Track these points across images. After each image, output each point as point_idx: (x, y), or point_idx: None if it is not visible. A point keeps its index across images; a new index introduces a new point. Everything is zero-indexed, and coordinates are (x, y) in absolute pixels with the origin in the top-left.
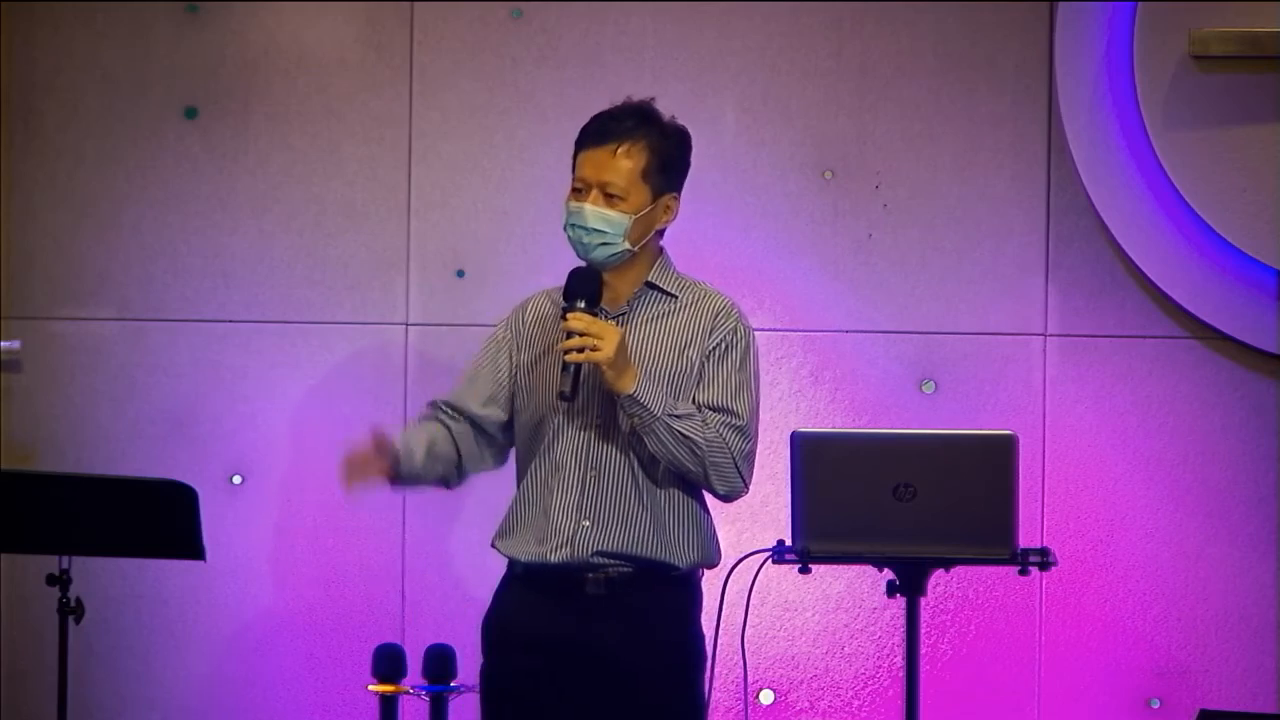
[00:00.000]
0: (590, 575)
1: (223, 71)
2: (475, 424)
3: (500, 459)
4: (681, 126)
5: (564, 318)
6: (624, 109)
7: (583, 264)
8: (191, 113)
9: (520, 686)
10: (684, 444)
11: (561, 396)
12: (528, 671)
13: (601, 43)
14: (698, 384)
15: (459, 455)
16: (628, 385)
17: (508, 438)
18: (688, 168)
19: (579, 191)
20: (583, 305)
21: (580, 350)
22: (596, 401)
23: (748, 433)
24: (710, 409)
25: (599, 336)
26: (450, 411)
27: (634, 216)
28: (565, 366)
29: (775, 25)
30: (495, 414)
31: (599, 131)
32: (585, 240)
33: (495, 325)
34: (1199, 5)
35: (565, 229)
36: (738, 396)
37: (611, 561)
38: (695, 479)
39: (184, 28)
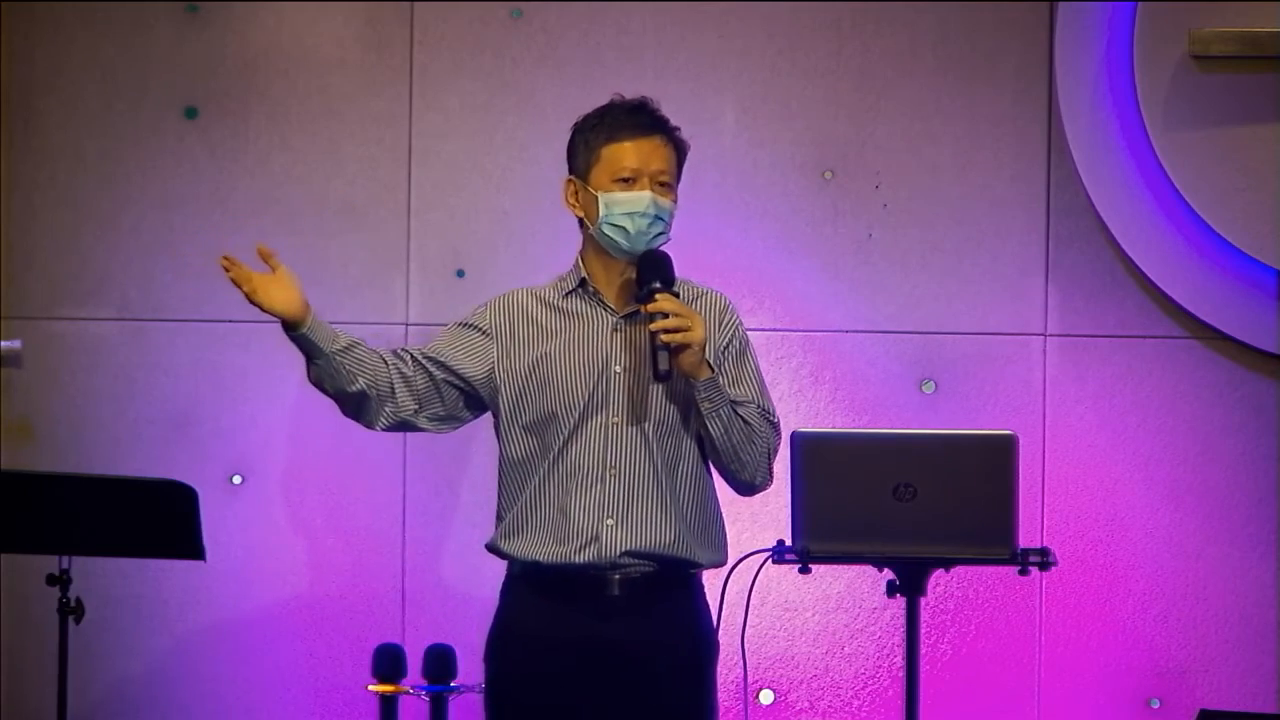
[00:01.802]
0: (615, 575)
1: (223, 71)
2: (434, 370)
3: (436, 422)
4: None
5: (651, 298)
6: (647, 103)
7: (648, 250)
8: (191, 113)
9: (539, 691)
10: (745, 429)
11: (659, 376)
12: (547, 676)
13: (601, 43)
14: (722, 381)
15: (392, 392)
16: (706, 369)
17: (456, 402)
18: None
19: (628, 181)
20: (659, 287)
21: (674, 331)
22: (614, 399)
23: (779, 429)
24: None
25: (690, 318)
26: (408, 357)
27: (676, 208)
28: (658, 346)
29: (775, 25)
30: (465, 367)
31: (646, 123)
32: (646, 229)
33: (466, 317)
34: (1199, 5)
35: (609, 222)
36: (764, 392)
37: (637, 561)
38: (738, 468)
39: (184, 28)
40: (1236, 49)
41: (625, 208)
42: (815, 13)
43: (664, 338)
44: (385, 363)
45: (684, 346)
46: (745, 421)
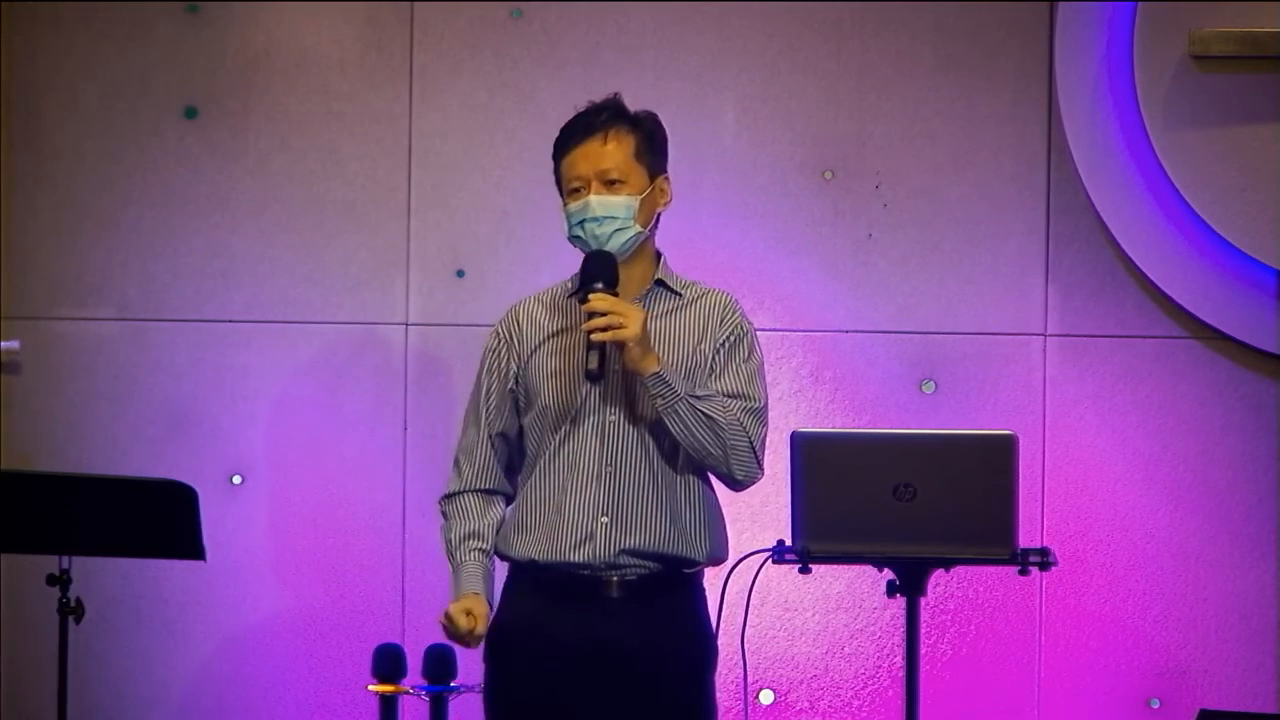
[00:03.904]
0: (612, 576)
1: (223, 71)
2: (507, 446)
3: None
4: (651, 112)
5: (585, 300)
6: (593, 106)
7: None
8: (191, 113)
9: (537, 691)
10: (706, 424)
11: (589, 376)
12: (545, 676)
13: (601, 43)
14: (711, 375)
15: (506, 504)
16: (652, 365)
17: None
18: (667, 149)
19: (577, 191)
20: (600, 287)
21: (605, 330)
22: (611, 396)
23: (763, 418)
24: (727, 396)
25: (624, 315)
26: (495, 470)
27: (639, 198)
28: (591, 345)
29: (775, 25)
30: (514, 421)
31: (581, 129)
32: (599, 231)
33: (486, 340)
34: (1199, 5)
35: (571, 235)
36: (751, 382)
37: (633, 561)
38: (714, 463)
39: (184, 28)
40: (1236, 49)
41: (575, 217)
42: (815, 13)
43: (596, 336)
44: (494, 516)
45: (621, 344)
46: (708, 415)
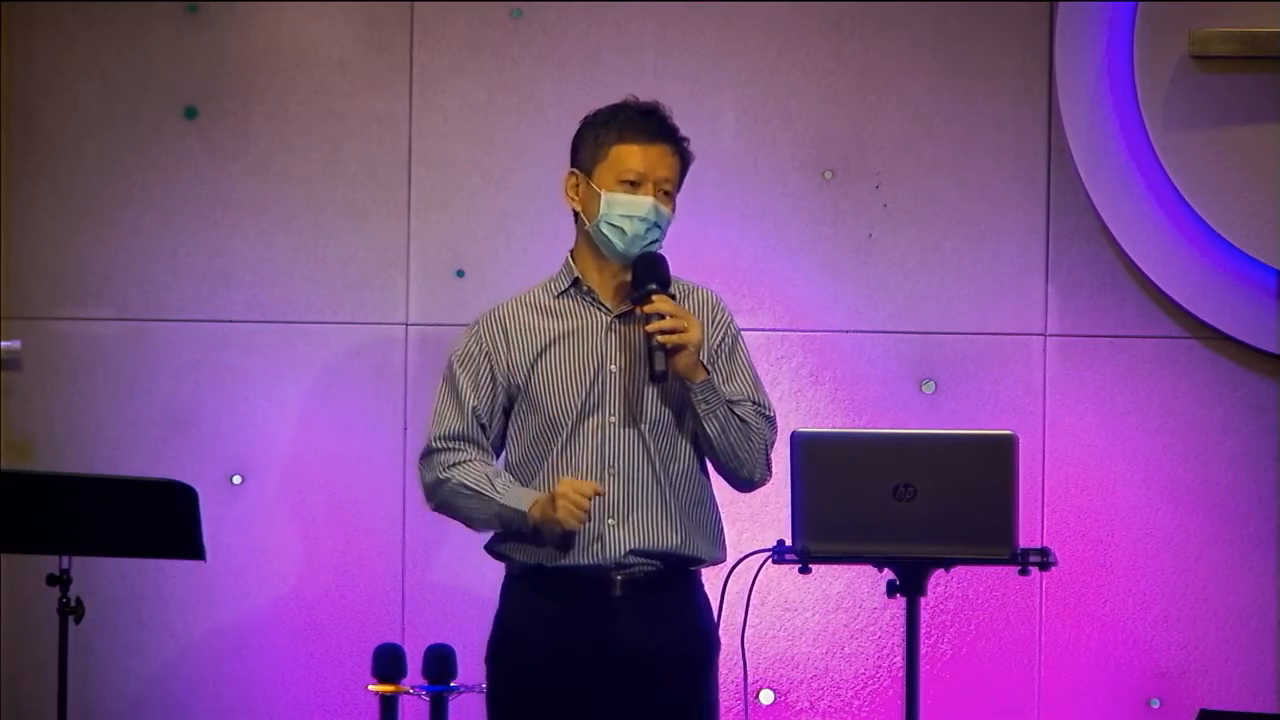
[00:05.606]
0: (618, 575)
1: (223, 71)
2: (494, 427)
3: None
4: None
5: (647, 299)
6: (660, 109)
7: (647, 252)
8: (191, 113)
9: (544, 695)
10: (740, 428)
11: (656, 377)
12: (551, 679)
13: (601, 43)
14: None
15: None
16: (701, 372)
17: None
18: None
19: (634, 185)
20: (656, 288)
21: (671, 332)
22: (610, 399)
23: (775, 422)
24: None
25: (686, 320)
26: (469, 445)
27: (673, 217)
28: (654, 347)
29: (775, 25)
30: (499, 424)
31: (657, 129)
32: (644, 235)
33: (460, 348)
34: (1199, 5)
35: (610, 223)
36: (758, 387)
37: (640, 560)
38: (737, 466)
39: (184, 28)
40: (1236, 49)
41: (626, 210)
42: (815, 13)
43: (660, 339)
44: (491, 466)
45: (680, 348)
46: (742, 420)
